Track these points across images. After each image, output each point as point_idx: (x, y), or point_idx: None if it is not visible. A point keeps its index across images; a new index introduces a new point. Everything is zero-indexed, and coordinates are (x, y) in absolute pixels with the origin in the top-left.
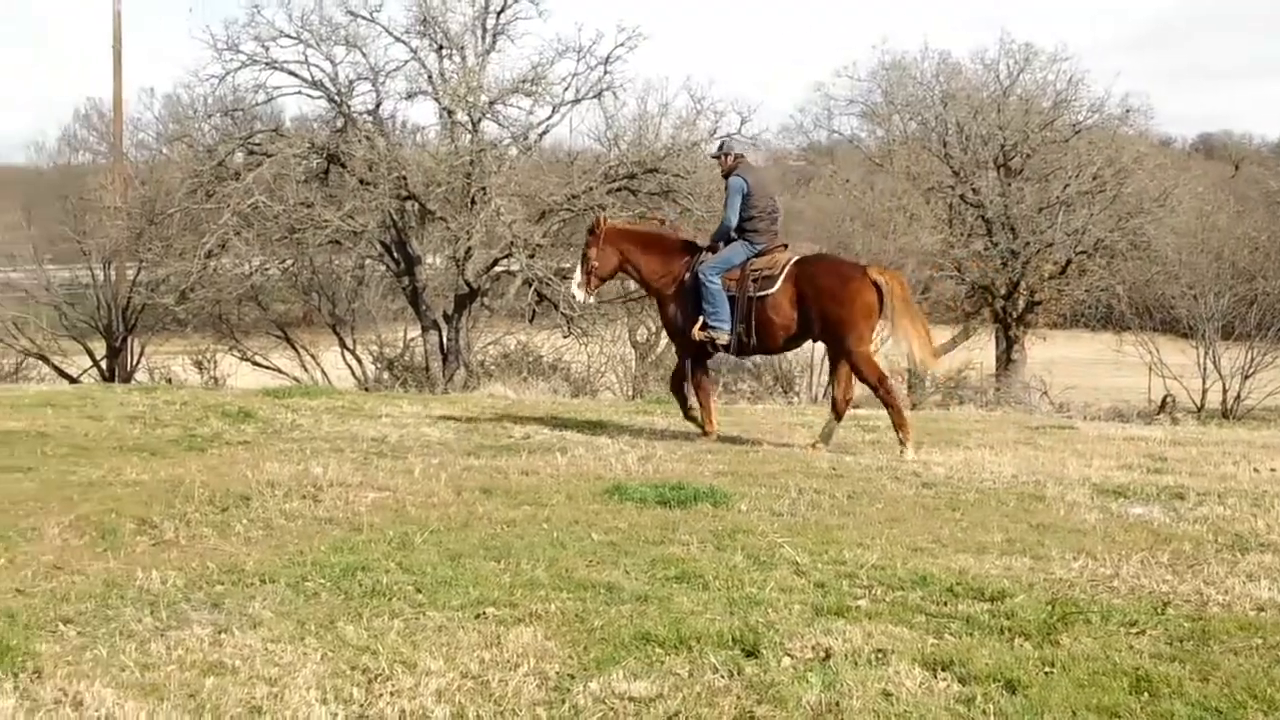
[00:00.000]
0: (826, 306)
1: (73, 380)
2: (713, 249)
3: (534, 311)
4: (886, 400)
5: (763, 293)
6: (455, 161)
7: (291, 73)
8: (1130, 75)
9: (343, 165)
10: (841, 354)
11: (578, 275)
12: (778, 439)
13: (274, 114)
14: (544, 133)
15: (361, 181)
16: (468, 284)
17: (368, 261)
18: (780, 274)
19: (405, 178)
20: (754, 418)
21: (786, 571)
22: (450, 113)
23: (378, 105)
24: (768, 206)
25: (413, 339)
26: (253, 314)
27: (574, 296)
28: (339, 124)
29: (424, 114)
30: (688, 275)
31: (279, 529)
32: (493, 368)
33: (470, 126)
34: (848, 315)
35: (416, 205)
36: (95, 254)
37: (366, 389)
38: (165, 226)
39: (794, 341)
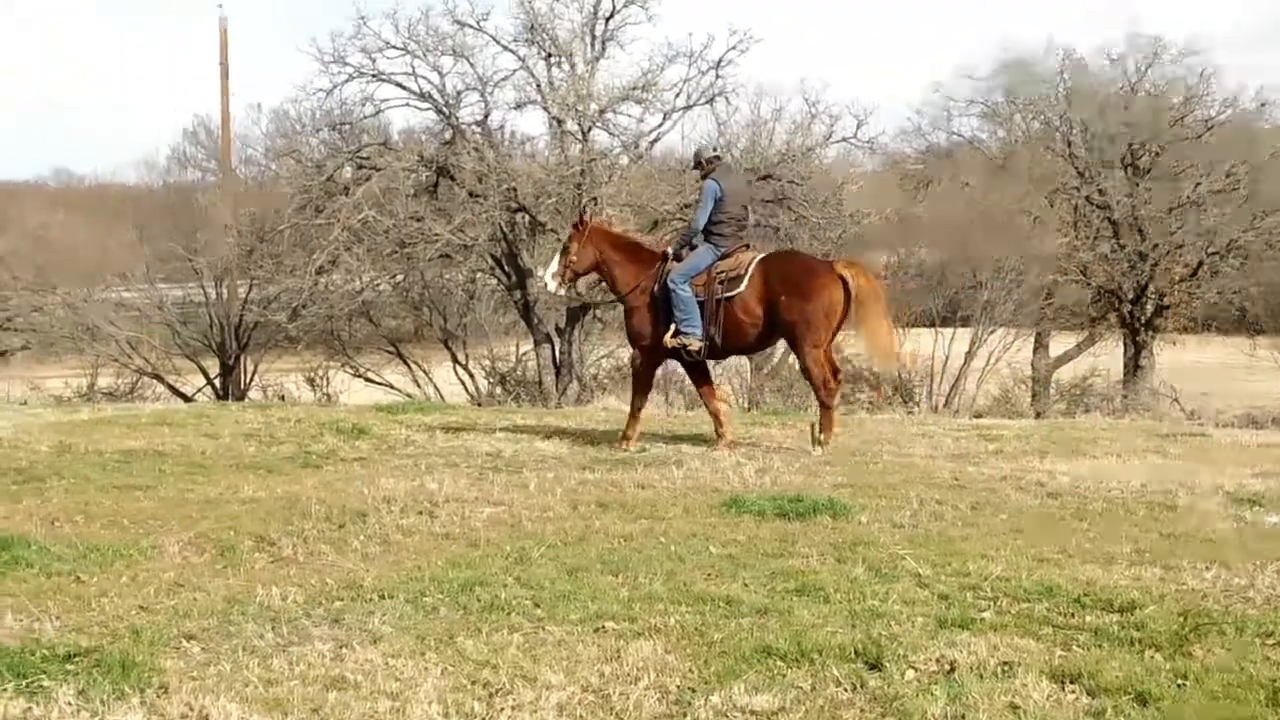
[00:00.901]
0: (790, 302)
1: (187, 399)
2: (678, 256)
3: None
4: (824, 402)
5: (730, 293)
6: (565, 172)
7: (399, 84)
8: (1267, 68)
9: (452, 178)
10: (794, 351)
11: (554, 264)
12: (898, 450)
13: (382, 127)
14: (655, 140)
15: (471, 194)
16: (579, 297)
17: (478, 275)
18: (746, 273)
19: (515, 189)
20: (873, 428)
21: (909, 584)
22: (559, 122)
23: (486, 116)
24: (737, 214)
25: (525, 353)
26: (364, 330)
27: (545, 285)
28: (447, 136)
29: (533, 124)
30: (656, 286)
31: (396, 545)
32: (606, 381)
33: (580, 135)
34: (810, 311)
35: (527, 217)
36: (207, 272)
37: (479, 404)
38: (275, 243)
39: (763, 341)
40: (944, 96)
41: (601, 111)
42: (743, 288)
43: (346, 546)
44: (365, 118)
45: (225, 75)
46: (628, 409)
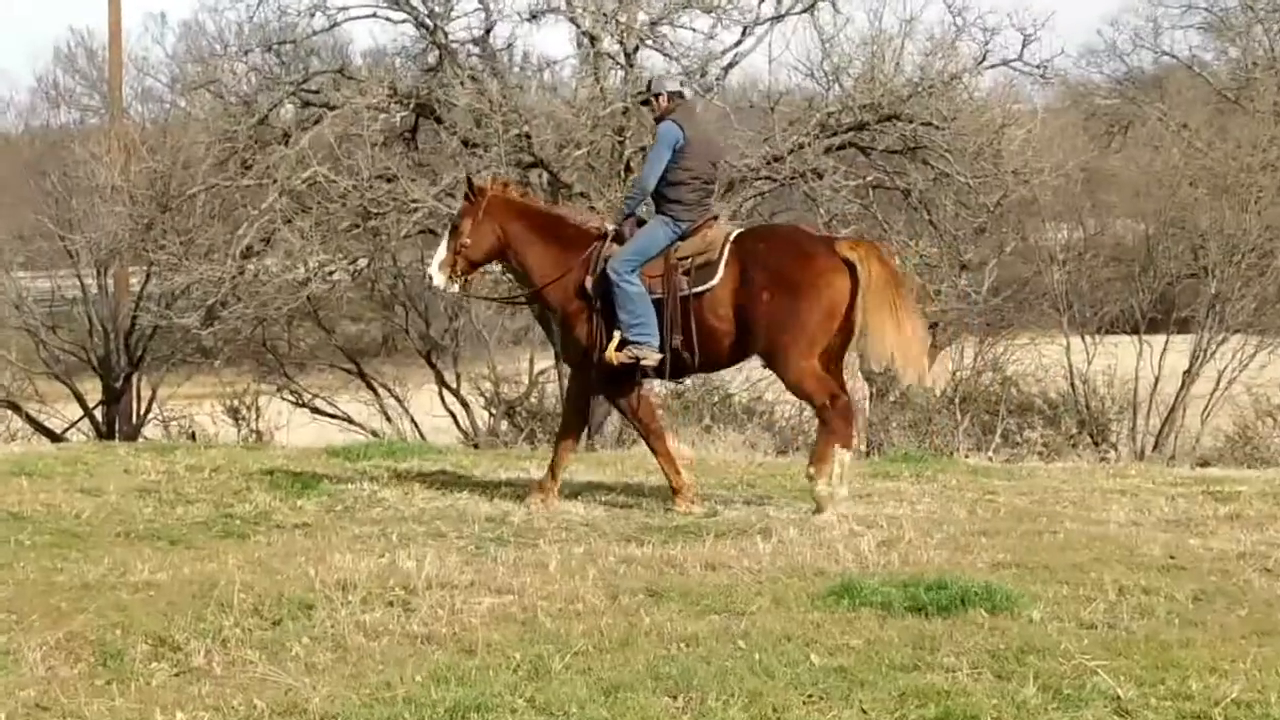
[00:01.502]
0: (775, 299)
1: (56, 438)
2: (619, 236)
3: None
4: (829, 422)
5: (702, 286)
6: (601, 111)
7: None
8: None
9: (438, 119)
10: (775, 367)
11: (441, 251)
12: (1086, 513)
13: (338, 48)
14: (731, 65)
15: (465, 143)
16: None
17: None
18: (720, 256)
19: (529, 135)
20: (1049, 481)
21: (1104, 710)
22: (593, 39)
23: (487, 31)
24: (704, 172)
25: (541, 372)
26: (311, 338)
27: (430, 279)
28: (431, 60)
29: (555, 43)
30: (588, 278)
31: (356, 650)
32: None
33: (623, 59)
34: (804, 309)
35: (546, 175)
36: (86, 255)
37: (476, 445)
38: (185, 213)
39: (744, 351)
40: (1150, 3)
41: (654, 24)
42: (718, 278)
43: (284, 652)
44: (314, 34)
45: None
46: (661, 451)
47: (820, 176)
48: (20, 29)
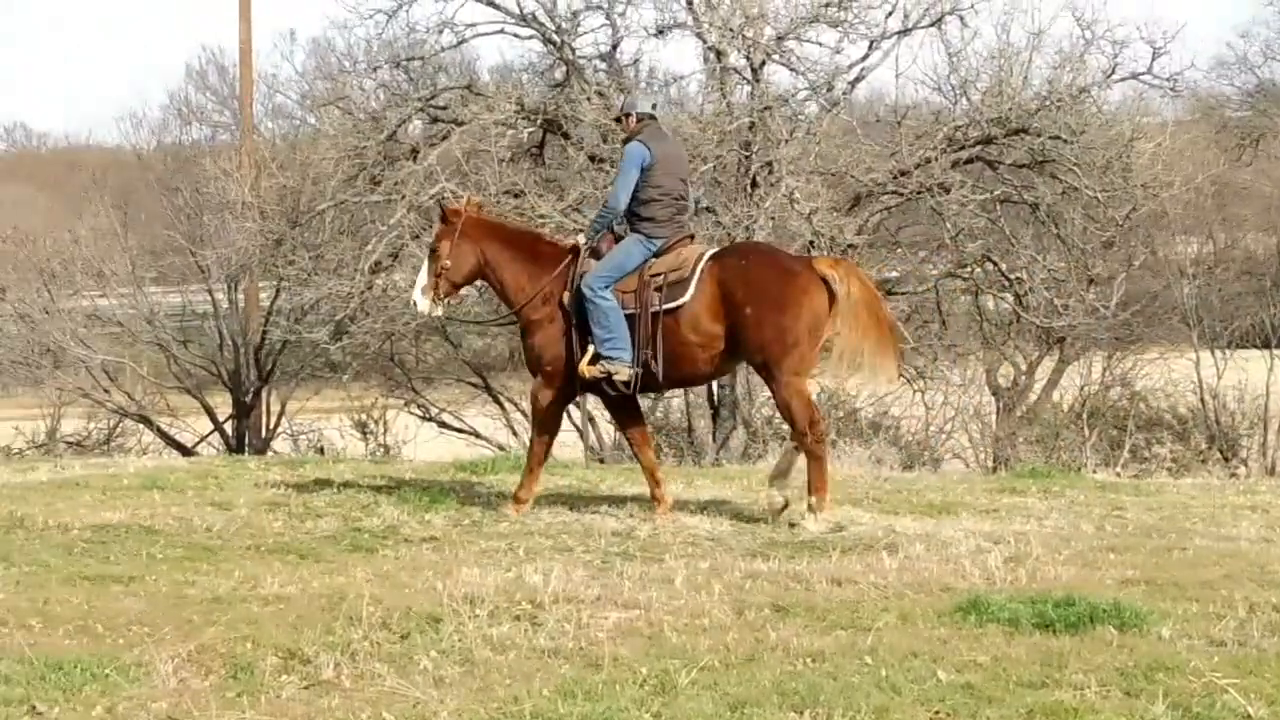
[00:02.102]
0: (760, 314)
1: (187, 451)
2: (595, 252)
3: None
4: (813, 451)
5: (673, 303)
6: (727, 125)
7: (491, 2)
8: None
9: (565, 135)
10: (768, 381)
11: (423, 276)
12: (1215, 529)
13: (466, 64)
14: (857, 80)
15: (592, 158)
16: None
17: None
18: (693, 274)
19: None
20: (1178, 497)
21: None
22: (719, 54)
23: (614, 47)
24: (674, 189)
25: None
26: (438, 353)
27: (414, 304)
28: (559, 75)
29: (681, 58)
30: (565, 293)
31: (483, 664)
32: (785, 428)
33: (749, 74)
34: (790, 326)
35: None
36: (217, 271)
37: (601, 460)
38: (314, 229)
39: (722, 367)
40: None
41: (780, 39)
42: (689, 295)
43: (412, 666)
44: (442, 50)
45: None
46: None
47: (947, 191)
48: (153, 46)
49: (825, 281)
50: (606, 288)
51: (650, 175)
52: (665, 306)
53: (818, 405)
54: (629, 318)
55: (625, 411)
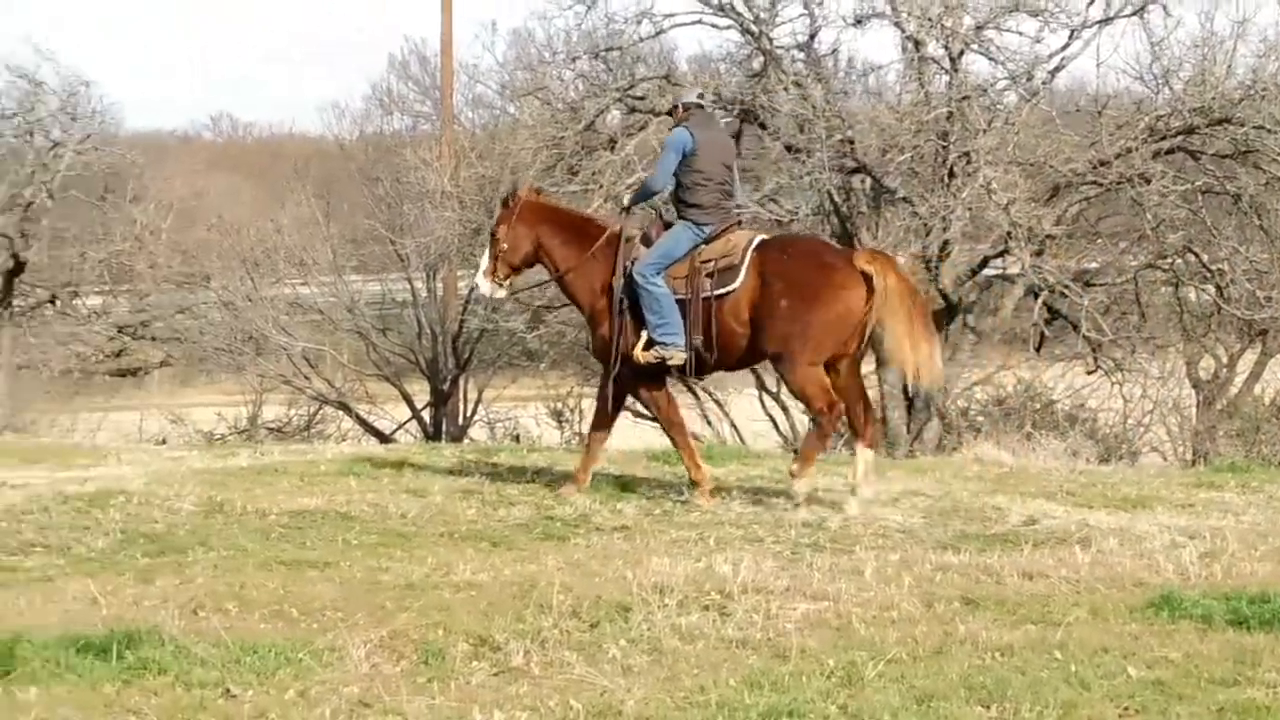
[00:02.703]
0: (791, 307)
1: (385, 438)
2: (646, 239)
3: (1042, 335)
4: (825, 429)
5: (723, 289)
6: (925, 116)
7: None
8: None
9: (762, 125)
10: (779, 370)
11: (484, 260)
12: None
13: (663, 54)
14: (1057, 69)
15: (789, 148)
16: (943, 296)
17: None
18: (743, 261)
19: (852, 141)
20: None
21: None
22: (918, 44)
23: (812, 37)
24: (716, 174)
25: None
26: None
27: (476, 288)
28: (756, 65)
29: (879, 47)
30: (616, 279)
31: (671, 654)
32: (980, 419)
33: (948, 63)
34: (813, 322)
35: (869, 180)
36: (416, 260)
37: (795, 451)
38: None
39: (756, 355)
40: None
41: (979, 28)
42: (739, 282)
43: (601, 654)
44: (640, 40)
45: None
46: (682, 444)
47: (1148, 181)
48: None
49: (864, 276)
50: (658, 274)
51: (693, 160)
52: (716, 292)
53: (830, 387)
54: (680, 303)
55: (666, 394)
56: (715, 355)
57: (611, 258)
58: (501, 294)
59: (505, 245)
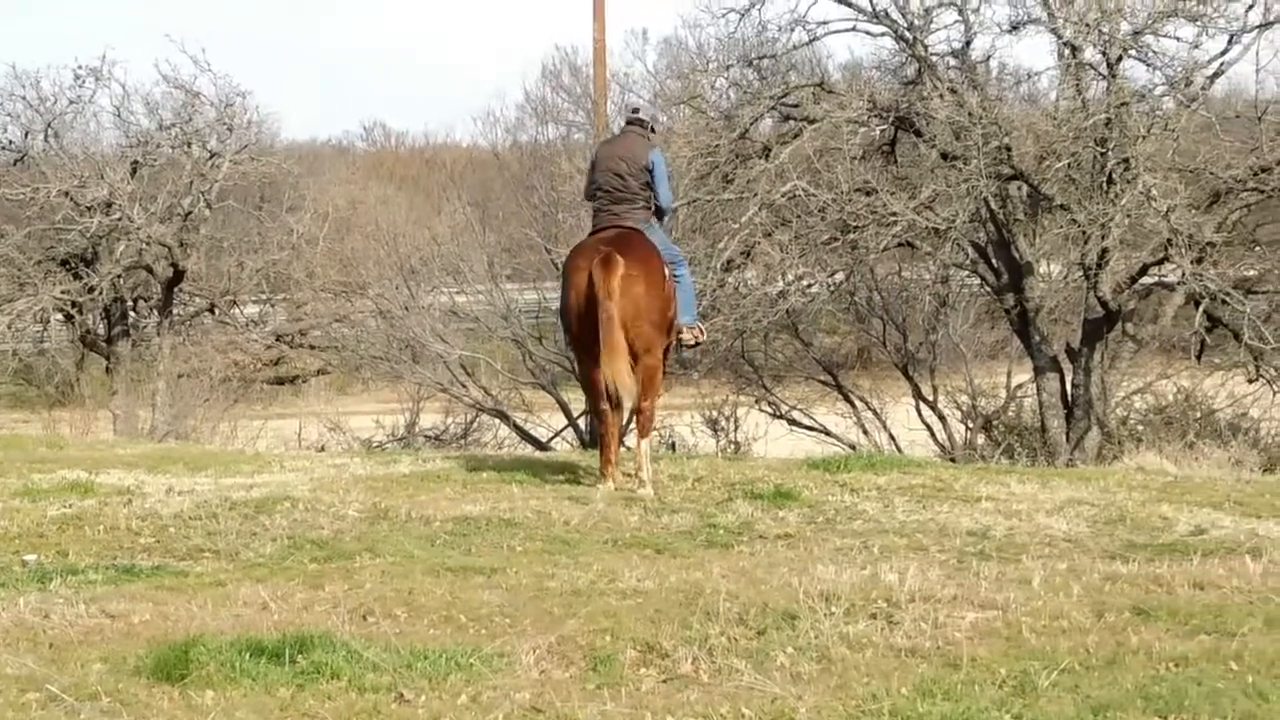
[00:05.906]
0: None
1: (542, 446)
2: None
3: (1203, 343)
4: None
5: None
6: (1082, 122)
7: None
8: None
9: (917, 133)
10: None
11: None
12: None
13: (817, 62)
14: (1216, 75)
15: (944, 155)
16: (1102, 304)
17: (953, 273)
18: None
19: (1009, 147)
20: None
21: None
22: (1074, 50)
23: (967, 44)
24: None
25: (1020, 386)
26: (788, 351)
27: None
28: (911, 73)
29: (1035, 54)
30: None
31: (840, 661)
32: (1141, 428)
33: (1105, 69)
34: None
35: (1025, 188)
36: None
37: (954, 459)
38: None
39: None
40: None
41: (1137, 34)
42: None
43: (769, 662)
44: (794, 48)
45: None
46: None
47: None
48: (510, 48)
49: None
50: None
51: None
52: None
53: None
54: None
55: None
56: None
57: None
58: None
59: None
